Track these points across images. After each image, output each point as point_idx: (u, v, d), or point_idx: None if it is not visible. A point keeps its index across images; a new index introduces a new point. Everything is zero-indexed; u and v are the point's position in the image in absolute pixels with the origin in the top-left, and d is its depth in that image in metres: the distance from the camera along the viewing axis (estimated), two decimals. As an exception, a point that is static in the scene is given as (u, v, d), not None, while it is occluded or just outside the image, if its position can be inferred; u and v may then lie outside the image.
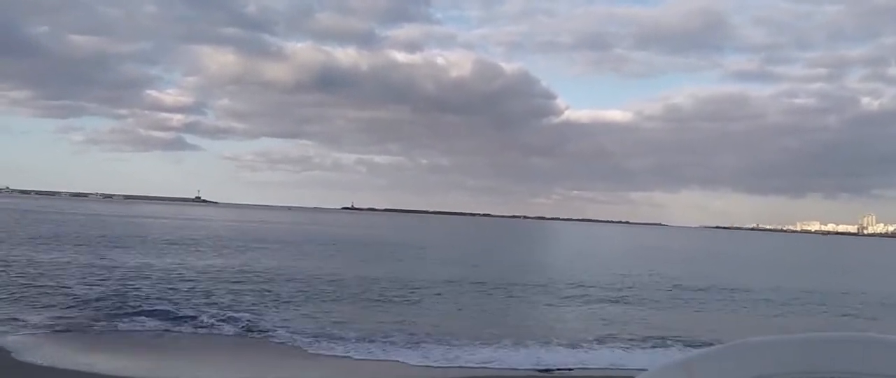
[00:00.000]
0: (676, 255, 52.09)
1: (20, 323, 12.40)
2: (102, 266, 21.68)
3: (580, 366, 10.64)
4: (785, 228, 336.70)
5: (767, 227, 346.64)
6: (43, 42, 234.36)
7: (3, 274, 19.34)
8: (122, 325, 12.76)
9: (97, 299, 15.50)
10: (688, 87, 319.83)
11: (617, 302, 20.05)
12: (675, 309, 19.70)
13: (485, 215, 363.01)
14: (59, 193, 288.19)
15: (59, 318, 13.15)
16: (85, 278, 18.95)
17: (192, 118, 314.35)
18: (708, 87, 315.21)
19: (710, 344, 1.36)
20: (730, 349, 1.18)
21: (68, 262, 22.98)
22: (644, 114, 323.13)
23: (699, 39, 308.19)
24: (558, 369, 9.96)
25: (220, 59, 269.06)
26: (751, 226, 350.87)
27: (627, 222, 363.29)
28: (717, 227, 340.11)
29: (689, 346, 13.26)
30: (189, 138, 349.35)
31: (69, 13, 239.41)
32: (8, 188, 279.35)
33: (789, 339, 1.15)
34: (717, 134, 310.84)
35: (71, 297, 15.52)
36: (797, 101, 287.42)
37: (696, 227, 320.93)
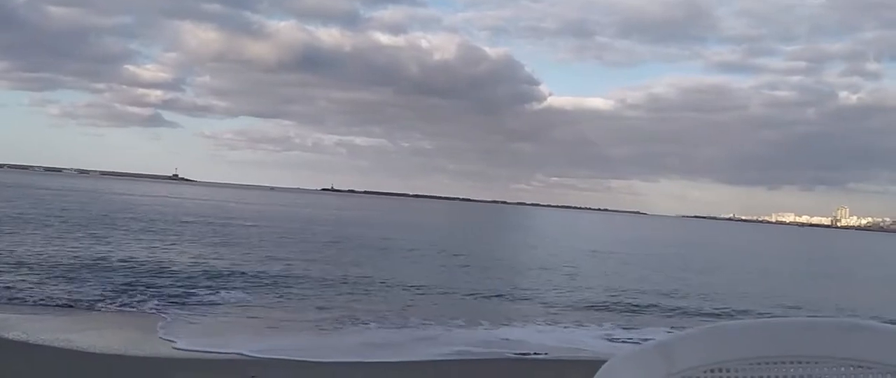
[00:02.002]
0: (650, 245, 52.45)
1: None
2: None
3: (559, 346, 10.60)
4: (761, 219, 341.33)
5: (743, 217, 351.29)
6: (20, 13, 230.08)
7: None
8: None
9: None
10: (670, 77, 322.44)
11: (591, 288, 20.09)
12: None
13: (466, 200, 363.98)
14: (33, 167, 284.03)
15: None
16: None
17: (170, 94, 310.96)
18: (690, 78, 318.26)
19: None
20: (705, 332, 1.19)
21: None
22: (626, 102, 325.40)
23: (682, 29, 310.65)
24: (534, 354, 9.87)
25: (201, 36, 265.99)
26: (727, 216, 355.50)
27: (607, 210, 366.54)
28: (695, 217, 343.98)
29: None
30: (167, 115, 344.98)
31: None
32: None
33: (763, 323, 1.16)
34: (698, 124, 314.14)
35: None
36: (777, 93, 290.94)
37: (674, 217, 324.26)
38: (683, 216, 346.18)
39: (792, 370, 1.11)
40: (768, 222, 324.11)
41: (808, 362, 1.11)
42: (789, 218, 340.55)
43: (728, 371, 1.12)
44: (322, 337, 10.88)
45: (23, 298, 12.18)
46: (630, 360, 1.17)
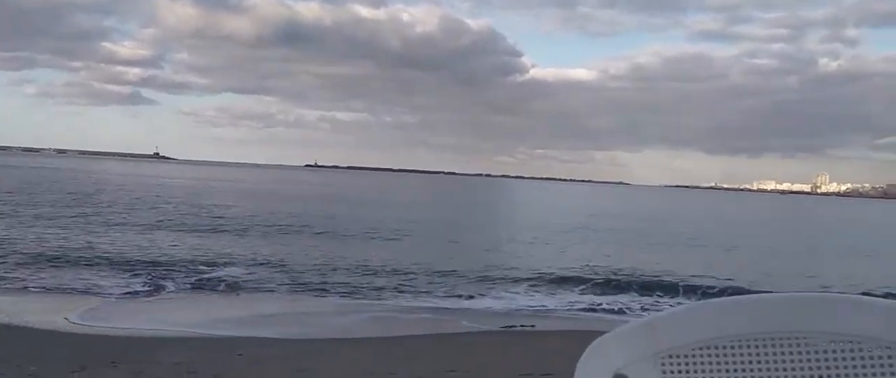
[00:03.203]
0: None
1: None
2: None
3: (543, 317, 10.70)
4: (742, 188, 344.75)
5: (725, 186, 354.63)
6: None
7: None
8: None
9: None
10: (652, 47, 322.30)
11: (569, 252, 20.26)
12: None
13: (449, 173, 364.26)
14: (11, 148, 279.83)
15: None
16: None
17: (149, 72, 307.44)
18: (672, 47, 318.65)
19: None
20: (691, 310, 1.20)
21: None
22: (609, 73, 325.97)
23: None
24: (521, 326, 9.95)
25: (179, 11, 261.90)
26: (709, 185, 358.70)
27: (590, 181, 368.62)
28: (678, 186, 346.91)
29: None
30: (146, 92, 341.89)
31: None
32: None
33: (750, 299, 1.16)
34: (681, 94, 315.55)
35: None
36: (758, 61, 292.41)
37: (657, 186, 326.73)
38: (666, 185, 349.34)
39: (779, 346, 1.10)
40: (750, 190, 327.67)
41: (795, 338, 1.10)
42: (770, 186, 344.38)
43: (716, 349, 1.12)
44: (314, 315, 10.89)
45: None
46: (617, 339, 1.17)
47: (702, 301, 1.20)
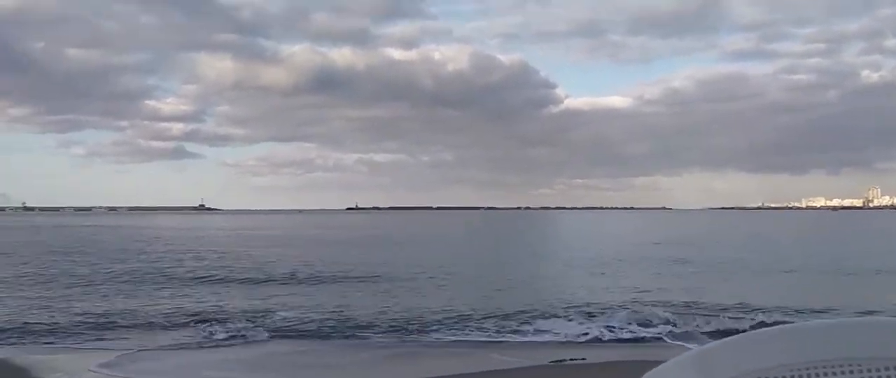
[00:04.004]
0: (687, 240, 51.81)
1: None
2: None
3: (594, 349, 10.47)
4: (790, 206, 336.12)
5: (773, 205, 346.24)
6: (39, 57, 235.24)
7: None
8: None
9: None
10: (686, 70, 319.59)
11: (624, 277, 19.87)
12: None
13: (490, 209, 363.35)
14: (63, 208, 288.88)
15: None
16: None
17: (192, 126, 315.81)
18: (706, 68, 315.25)
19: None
20: (744, 339, 1.13)
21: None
22: (644, 98, 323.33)
23: (694, 21, 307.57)
24: (571, 359, 9.75)
25: (218, 66, 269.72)
26: (756, 205, 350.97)
27: (632, 208, 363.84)
28: (722, 208, 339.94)
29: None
30: (190, 146, 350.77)
31: (65, 27, 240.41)
32: (24, 204, 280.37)
33: (807, 327, 1.09)
34: (718, 114, 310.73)
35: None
36: (796, 77, 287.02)
37: (700, 210, 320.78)
38: (710, 208, 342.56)
39: (834, 375, 1.04)
40: (798, 208, 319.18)
41: (858, 365, 1.04)
42: (820, 202, 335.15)
43: None
44: (360, 359, 10.85)
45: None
46: (669, 371, 1.12)
47: (754, 331, 1.13)
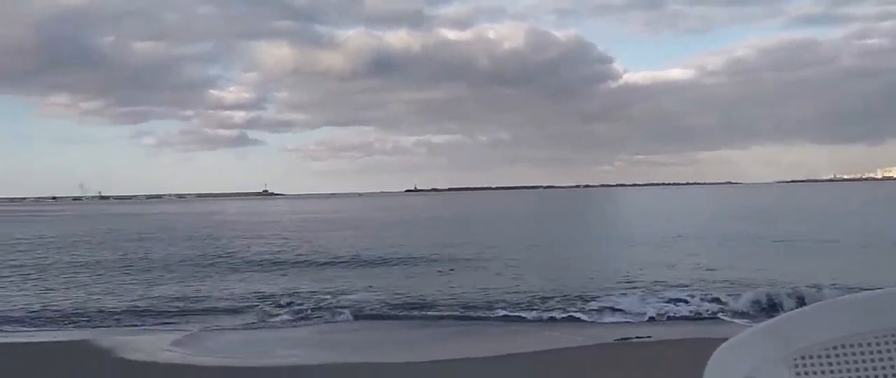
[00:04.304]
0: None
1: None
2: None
3: (661, 321, 10.34)
4: (865, 177, 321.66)
5: (846, 177, 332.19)
6: (109, 52, 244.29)
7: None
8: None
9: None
10: (751, 38, 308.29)
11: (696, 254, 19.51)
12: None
13: (549, 187, 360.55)
14: (136, 196, 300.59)
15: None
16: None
17: (253, 113, 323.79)
18: (772, 36, 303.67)
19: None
20: (822, 308, 1.13)
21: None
22: (706, 69, 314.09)
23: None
24: (636, 337, 9.66)
25: (276, 53, 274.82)
26: (828, 177, 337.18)
27: (697, 183, 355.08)
28: (792, 181, 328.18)
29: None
30: (252, 134, 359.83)
31: (131, 21, 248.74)
32: (100, 193, 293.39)
33: (885, 294, 1.09)
34: (785, 83, 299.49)
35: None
36: (869, 41, 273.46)
37: (770, 182, 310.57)
38: (780, 181, 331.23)
39: None
40: (874, 179, 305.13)
41: None
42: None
43: (852, 347, 1.05)
44: (426, 338, 11.02)
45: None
46: (745, 343, 1.13)
47: (828, 300, 1.14)
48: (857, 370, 1.05)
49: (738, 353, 1.12)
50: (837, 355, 1.07)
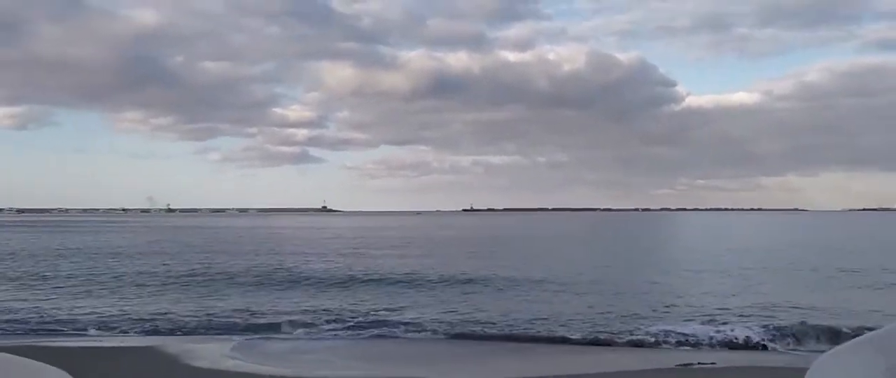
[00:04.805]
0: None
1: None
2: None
3: (724, 347, 10.05)
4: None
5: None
6: (179, 71, 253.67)
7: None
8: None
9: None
10: (821, 62, 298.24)
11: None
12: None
13: (607, 210, 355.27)
14: (200, 210, 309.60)
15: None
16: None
17: (315, 132, 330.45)
18: (845, 61, 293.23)
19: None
20: None
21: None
22: (774, 94, 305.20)
23: (831, 10, 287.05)
24: (699, 363, 9.43)
25: (339, 73, 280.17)
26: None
27: (760, 209, 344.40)
28: (863, 210, 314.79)
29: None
30: (313, 151, 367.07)
31: (201, 42, 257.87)
32: (168, 206, 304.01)
33: None
34: (858, 110, 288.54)
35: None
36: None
37: (838, 211, 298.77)
38: (849, 210, 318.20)
39: None
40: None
41: None
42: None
43: None
44: (475, 357, 11.02)
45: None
46: (843, 355, 1.09)
47: None
48: None
49: (837, 364, 1.10)
50: None
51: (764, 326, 12.66)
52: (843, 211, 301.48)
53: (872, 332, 1.11)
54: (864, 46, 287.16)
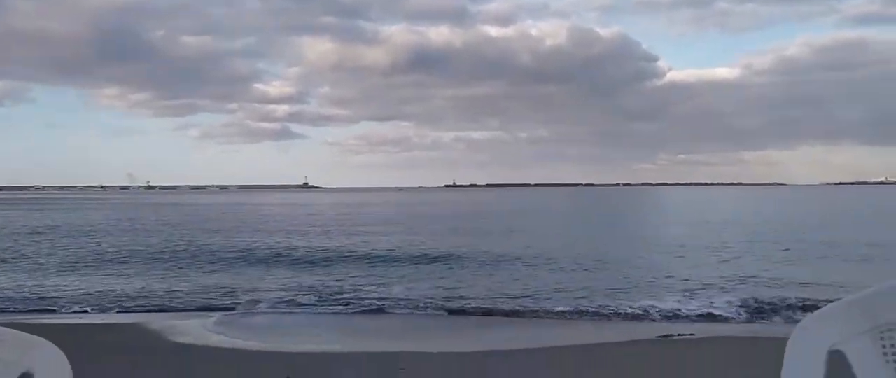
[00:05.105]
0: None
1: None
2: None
3: (704, 319, 10.22)
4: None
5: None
6: (159, 45, 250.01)
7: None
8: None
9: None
10: (801, 37, 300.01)
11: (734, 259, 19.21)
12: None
13: (588, 185, 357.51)
14: (179, 187, 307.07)
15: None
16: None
17: (296, 107, 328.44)
18: (824, 35, 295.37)
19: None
20: None
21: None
22: (753, 69, 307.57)
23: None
24: (679, 334, 9.59)
25: (319, 48, 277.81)
26: (878, 180, 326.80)
27: (740, 183, 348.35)
28: (841, 184, 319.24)
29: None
30: (294, 127, 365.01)
31: (181, 16, 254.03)
32: (148, 183, 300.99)
33: None
34: (836, 84, 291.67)
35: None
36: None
37: (816, 184, 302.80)
38: (827, 183, 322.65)
39: None
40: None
41: None
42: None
43: None
44: (465, 330, 11.13)
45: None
46: (830, 316, 1.13)
47: None
48: None
49: (824, 325, 1.13)
50: None
51: (742, 299, 12.89)
52: (820, 184, 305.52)
53: (856, 294, 1.15)
54: (844, 21, 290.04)
